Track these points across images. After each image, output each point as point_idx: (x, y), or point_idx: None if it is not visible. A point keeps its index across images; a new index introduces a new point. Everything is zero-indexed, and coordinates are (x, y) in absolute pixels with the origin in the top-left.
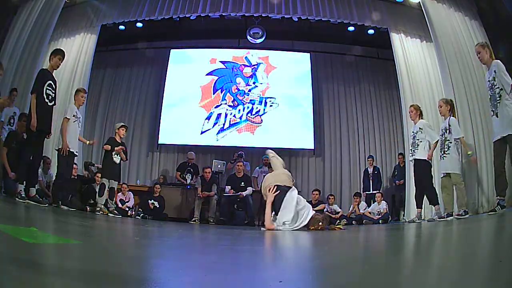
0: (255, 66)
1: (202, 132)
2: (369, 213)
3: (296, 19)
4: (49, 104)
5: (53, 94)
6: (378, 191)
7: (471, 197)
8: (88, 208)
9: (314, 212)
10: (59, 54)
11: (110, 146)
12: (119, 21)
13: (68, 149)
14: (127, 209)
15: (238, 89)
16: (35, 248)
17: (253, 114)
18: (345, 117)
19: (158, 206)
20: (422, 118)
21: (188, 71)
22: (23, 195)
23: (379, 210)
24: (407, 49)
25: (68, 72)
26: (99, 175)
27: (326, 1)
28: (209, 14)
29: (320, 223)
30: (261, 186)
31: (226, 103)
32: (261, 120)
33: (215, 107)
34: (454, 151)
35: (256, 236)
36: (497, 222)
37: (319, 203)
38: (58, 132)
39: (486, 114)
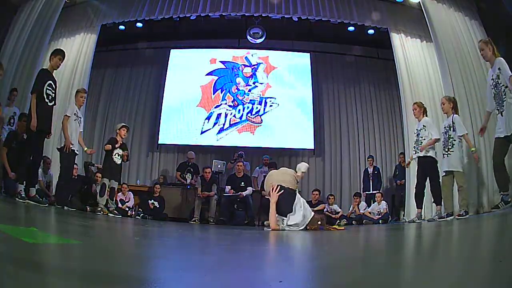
0: (255, 66)
1: (202, 132)
2: (369, 213)
3: (296, 19)
4: (49, 104)
5: (53, 94)
6: (378, 191)
7: (471, 197)
8: (88, 208)
9: (313, 213)
10: (59, 54)
11: (110, 146)
12: (119, 21)
13: (71, 145)
14: (127, 209)
15: (238, 89)
16: (35, 248)
17: (253, 114)
18: (345, 117)
19: (158, 206)
20: (426, 115)
21: (188, 71)
22: (23, 195)
23: (379, 210)
24: (407, 49)
25: (68, 72)
26: (99, 175)
27: (326, 1)
28: (209, 14)
29: (319, 222)
30: (261, 184)
31: (226, 103)
32: (261, 120)
33: (215, 107)
34: (458, 149)
35: (256, 236)
36: (497, 222)
37: (319, 203)
38: (58, 132)
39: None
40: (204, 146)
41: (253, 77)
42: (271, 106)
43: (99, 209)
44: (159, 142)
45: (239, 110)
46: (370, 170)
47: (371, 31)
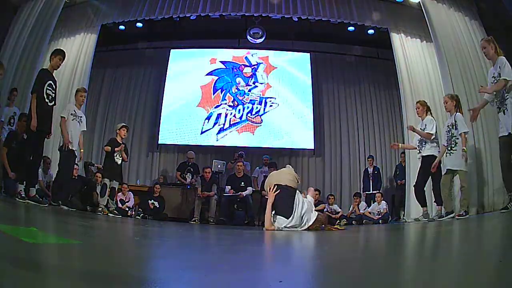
0: (255, 66)
1: (202, 132)
2: (369, 213)
3: (296, 19)
4: (49, 104)
5: (53, 94)
6: (378, 191)
7: (471, 197)
8: (88, 208)
9: (317, 213)
10: (59, 54)
11: (110, 148)
12: (119, 21)
13: (70, 143)
14: (127, 209)
15: (238, 89)
16: (35, 248)
17: (253, 114)
18: (345, 117)
19: (158, 206)
20: (430, 114)
21: (188, 71)
22: (23, 195)
23: (379, 210)
24: (407, 49)
25: (68, 72)
26: (99, 175)
27: (326, 1)
28: (209, 14)
29: (323, 224)
30: (261, 184)
31: (226, 103)
32: (261, 120)
33: (215, 107)
34: (460, 147)
35: (256, 236)
36: (497, 223)
37: (319, 203)
38: (58, 132)
39: (486, 114)
40: (204, 146)
41: (253, 77)
42: (271, 106)
43: (99, 209)
44: (159, 142)
45: (239, 110)
46: (370, 170)
47: (371, 31)
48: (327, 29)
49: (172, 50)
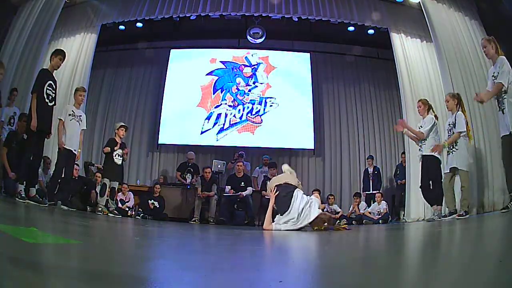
0: (255, 66)
1: (202, 132)
2: (369, 213)
3: (296, 19)
4: (49, 104)
5: (53, 94)
6: (378, 191)
7: (472, 197)
8: (88, 208)
9: (320, 211)
10: (60, 54)
11: (109, 148)
12: (119, 21)
13: (63, 146)
14: (127, 209)
15: (238, 89)
16: (35, 248)
17: (253, 114)
18: (345, 117)
19: (158, 206)
20: (432, 112)
21: (188, 71)
22: (23, 195)
23: (379, 210)
24: (407, 49)
25: (68, 72)
26: (99, 175)
27: (326, 1)
28: (209, 14)
29: (325, 224)
30: (261, 184)
31: (226, 103)
32: (261, 120)
33: (215, 107)
34: (463, 147)
35: (256, 236)
36: (497, 222)
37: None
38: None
39: (486, 114)
40: (204, 146)
41: (253, 77)
42: (271, 106)
43: (99, 209)
44: (159, 142)
45: (239, 110)
46: (370, 170)
47: (371, 31)
48: (327, 29)
49: (172, 50)
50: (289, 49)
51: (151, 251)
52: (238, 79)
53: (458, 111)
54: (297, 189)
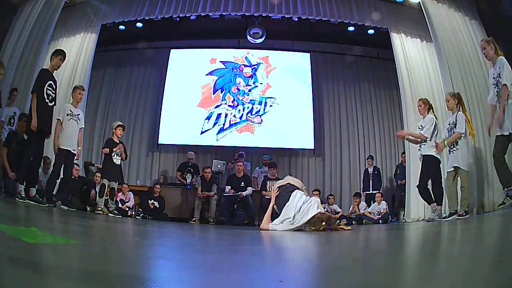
0: (255, 66)
1: (202, 132)
2: (369, 213)
3: (296, 19)
4: (49, 104)
5: (53, 94)
6: (378, 191)
7: (472, 197)
8: (88, 208)
9: (319, 210)
10: (60, 54)
11: (108, 149)
12: (119, 21)
13: (59, 147)
14: (127, 209)
15: (238, 89)
16: (35, 248)
17: (253, 114)
18: (345, 117)
19: (158, 206)
20: (433, 112)
21: (188, 71)
22: (23, 195)
23: (379, 210)
24: (407, 49)
25: (68, 72)
26: (99, 175)
27: (326, 1)
28: (209, 14)
29: (324, 223)
30: (261, 184)
31: (226, 103)
32: (261, 120)
33: (215, 107)
34: (463, 147)
35: (256, 236)
36: (498, 222)
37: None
38: None
39: (486, 114)
40: (204, 146)
41: (253, 77)
42: (271, 106)
43: (99, 209)
44: (159, 142)
45: (239, 110)
46: (370, 170)
47: (371, 31)
48: (327, 29)
49: (172, 50)
50: (289, 49)
51: (151, 251)
52: (238, 79)
53: (458, 110)
54: (297, 189)
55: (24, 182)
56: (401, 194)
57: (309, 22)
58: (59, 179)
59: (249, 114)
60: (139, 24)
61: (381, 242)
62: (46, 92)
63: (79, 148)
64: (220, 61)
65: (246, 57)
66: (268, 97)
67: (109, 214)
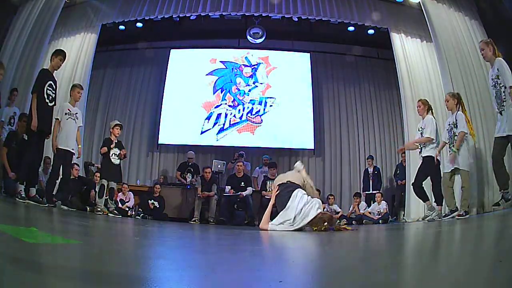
0: (255, 66)
1: (202, 132)
2: (369, 213)
3: (296, 19)
4: (49, 104)
5: (54, 95)
6: (378, 191)
7: (472, 197)
8: (88, 208)
9: (320, 210)
10: (60, 54)
11: (106, 149)
12: (119, 21)
13: (57, 146)
14: (127, 209)
15: (238, 89)
16: (35, 248)
17: (253, 114)
18: (345, 117)
19: (158, 206)
20: (432, 113)
21: (188, 71)
22: (23, 195)
23: (379, 210)
24: (407, 49)
25: (68, 72)
26: (98, 175)
27: (326, 1)
28: (209, 14)
29: (326, 223)
30: (261, 184)
31: (226, 103)
32: (261, 120)
33: (215, 107)
34: (463, 147)
35: (256, 236)
36: (497, 222)
37: None
38: None
39: (486, 114)
40: (204, 146)
41: (253, 77)
42: (271, 106)
43: (99, 209)
44: (159, 142)
45: (239, 110)
46: (370, 170)
47: (371, 31)
48: (327, 29)
49: (172, 50)
50: (289, 49)
51: (151, 251)
52: (238, 79)
53: (458, 111)
54: (298, 188)
55: (24, 182)
56: (401, 194)
57: (309, 22)
58: (59, 179)
59: (249, 114)
60: (139, 24)
61: (381, 242)
62: (46, 92)
63: (79, 146)
64: (220, 61)
65: (246, 57)
66: (268, 97)
67: (109, 214)
